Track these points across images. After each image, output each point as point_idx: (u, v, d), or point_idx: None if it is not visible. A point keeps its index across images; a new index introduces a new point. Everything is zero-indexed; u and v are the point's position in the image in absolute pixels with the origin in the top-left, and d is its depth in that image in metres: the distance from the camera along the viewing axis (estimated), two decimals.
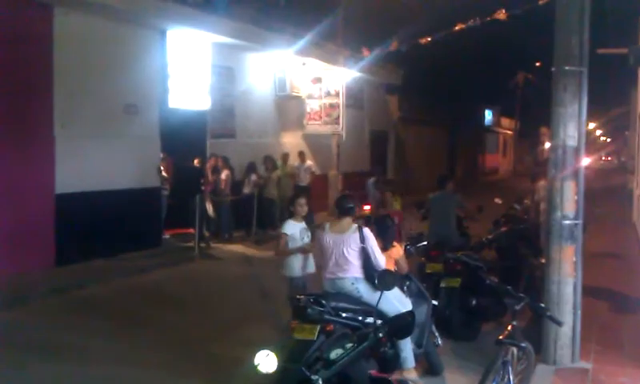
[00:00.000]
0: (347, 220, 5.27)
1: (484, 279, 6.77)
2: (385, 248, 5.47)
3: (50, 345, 6.60)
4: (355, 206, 5.36)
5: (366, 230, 5.23)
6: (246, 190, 13.45)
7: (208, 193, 12.50)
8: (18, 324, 7.38)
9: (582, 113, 5.74)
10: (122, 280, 9.64)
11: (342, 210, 5.31)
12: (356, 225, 5.25)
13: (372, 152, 22.17)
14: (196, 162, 12.71)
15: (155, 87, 11.97)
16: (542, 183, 8.50)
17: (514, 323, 4.70)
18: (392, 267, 5.48)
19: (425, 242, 6.82)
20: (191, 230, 11.98)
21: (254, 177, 13.51)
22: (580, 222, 5.80)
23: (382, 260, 5.19)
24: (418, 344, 5.46)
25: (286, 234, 6.14)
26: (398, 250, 5.75)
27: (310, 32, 15.19)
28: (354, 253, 5.14)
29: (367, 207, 10.92)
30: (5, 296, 8.26)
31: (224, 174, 12.88)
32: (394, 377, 4.96)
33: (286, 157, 15.30)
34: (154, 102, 11.95)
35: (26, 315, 7.71)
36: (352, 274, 5.12)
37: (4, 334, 6.97)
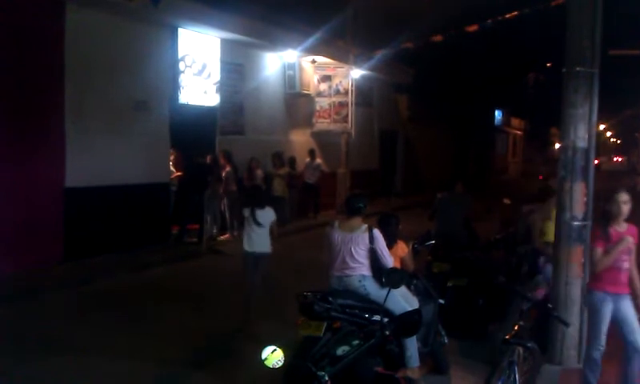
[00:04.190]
0: (357, 219, 5.27)
1: (491, 279, 6.78)
2: (389, 245, 5.48)
3: (58, 338, 6.67)
4: (365, 205, 5.34)
5: (376, 231, 5.21)
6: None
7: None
8: (27, 318, 7.44)
9: (592, 114, 5.73)
10: (129, 275, 9.69)
11: (352, 209, 5.30)
12: (366, 225, 5.24)
13: (381, 151, 22.16)
14: (208, 158, 12.72)
15: (166, 83, 12.02)
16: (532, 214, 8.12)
17: (521, 323, 4.71)
18: (397, 265, 5.49)
19: (432, 242, 6.82)
20: (196, 226, 12.03)
21: (259, 171, 13.48)
22: (589, 223, 5.79)
23: (390, 261, 5.19)
24: (424, 342, 5.47)
25: None
26: (403, 248, 5.76)
27: (320, 30, 15.20)
28: (362, 252, 5.14)
29: None
30: (14, 289, 8.34)
31: (225, 171, 12.78)
32: (400, 374, 4.99)
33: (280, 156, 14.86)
34: (165, 98, 12.01)
35: (34, 309, 7.76)
36: (360, 272, 5.13)
37: (12, 327, 7.04)
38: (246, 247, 7.26)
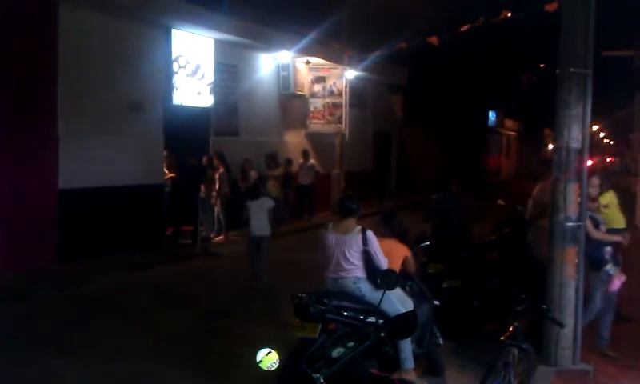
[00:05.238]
0: (350, 221, 5.25)
1: (486, 280, 6.77)
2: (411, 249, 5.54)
3: (56, 339, 6.64)
4: (358, 206, 5.33)
5: (370, 233, 5.18)
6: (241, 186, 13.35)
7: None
8: (24, 319, 7.40)
9: (586, 115, 5.75)
10: (124, 276, 9.65)
11: (345, 210, 5.28)
12: (359, 227, 5.22)
13: (375, 152, 22.17)
14: (204, 159, 12.68)
15: (160, 84, 11.99)
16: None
17: (516, 324, 4.71)
18: (398, 265, 5.46)
19: (427, 243, 6.82)
20: (190, 227, 12.00)
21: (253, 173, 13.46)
22: (583, 224, 5.81)
23: (384, 262, 5.17)
24: (419, 344, 5.46)
25: None
26: (406, 249, 5.76)
27: (314, 31, 15.20)
28: (355, 254, 5.12)
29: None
30: (8, 291, 8.29)
31: (218, 172, 12.70)
32: (395, 376, 4.98)
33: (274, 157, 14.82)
34: (159, 98, 11.97)
35: (31, 310, 7.72)
36: (354, 274, 5.12)
37: (10, 328, 7.01)
38: (250, 232, 8.87)
